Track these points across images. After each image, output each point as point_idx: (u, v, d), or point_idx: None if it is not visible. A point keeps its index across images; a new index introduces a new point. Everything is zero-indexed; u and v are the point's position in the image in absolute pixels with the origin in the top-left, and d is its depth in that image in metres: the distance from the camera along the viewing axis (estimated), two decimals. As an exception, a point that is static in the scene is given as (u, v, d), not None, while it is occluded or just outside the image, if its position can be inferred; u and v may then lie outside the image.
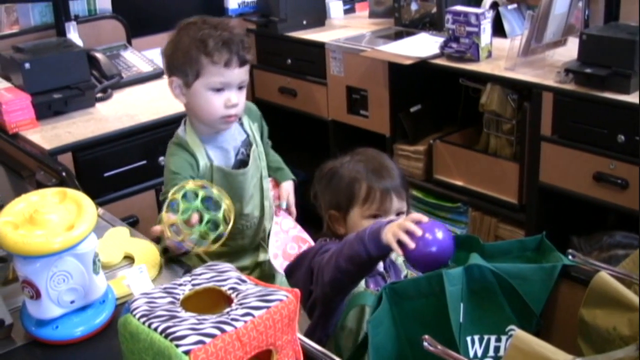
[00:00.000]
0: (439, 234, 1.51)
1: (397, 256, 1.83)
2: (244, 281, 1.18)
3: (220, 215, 1.57)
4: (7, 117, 2.62)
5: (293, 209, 2.24)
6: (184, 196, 1.57)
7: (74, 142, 2.56)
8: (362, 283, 1.71)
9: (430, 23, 3.51)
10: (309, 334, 1.73)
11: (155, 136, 2.67)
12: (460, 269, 1.47)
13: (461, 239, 1.60)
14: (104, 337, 1.42)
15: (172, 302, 1.13)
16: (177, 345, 1.01)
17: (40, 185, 2.15)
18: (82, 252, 1.36)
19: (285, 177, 2.27)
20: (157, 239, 1.71)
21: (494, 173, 3.05)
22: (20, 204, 1.38)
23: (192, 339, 1.02)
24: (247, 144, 2.10)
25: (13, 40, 3.04)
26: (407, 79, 3.28)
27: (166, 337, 1.03)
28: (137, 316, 1.09)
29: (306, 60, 3.62)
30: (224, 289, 1.16)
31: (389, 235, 1.52)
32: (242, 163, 2.08)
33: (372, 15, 3.90)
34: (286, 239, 2.15)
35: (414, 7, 3.58)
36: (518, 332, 1.24)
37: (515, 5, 3.35)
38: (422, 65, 3.09)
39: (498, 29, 3.23)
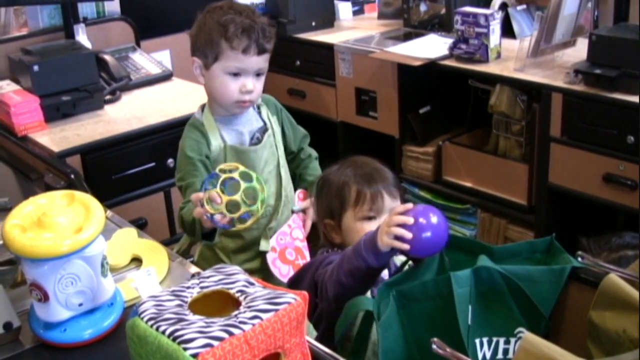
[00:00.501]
0: (432, 217, 1.47)
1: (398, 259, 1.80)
2: (252, 284, 1.18)
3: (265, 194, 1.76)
4: (16, 120, 2.63)
5: (308, 222, 2.21)
6: (241, 176, 1.72)
7: (83, 145, 2.57)
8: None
9: (439, 24, 3.50)
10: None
11: (164, 138, 2.68)
12: (469, 271, 1.46)
13: (468, 242, 1.60)
14: (112, 340, 1.42)
15: (180, 305, 1.13)
16: (185, 349, 1.01)
17: (48, 188, 2.15)
18: (90, 255, 1.36)
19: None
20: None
21: (503, 174, 3.05)
22: (28, 206, 1.38)
23: (200, 342, 1.01)
24: (263, 130, 2.12)
25: (22, 42, 3.04)
26: (416, 80, 3.27)
27: (174, 340, 1.03)
28: (145, 319, 1.08)
29: (315, 61, 3.62)
30: (232, 291, 1.16)
31: (384, 237, 1.47)
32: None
33: (381, 16, 3.89)
34: (289, 244, 2.14)
35: (423, 8, 3.57)
36: (527, 335, 1.23)
37: (524, 6, 3.34)
38: (431, 67, 3.08)
39: (507, 30, 3.22)
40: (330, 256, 1.72)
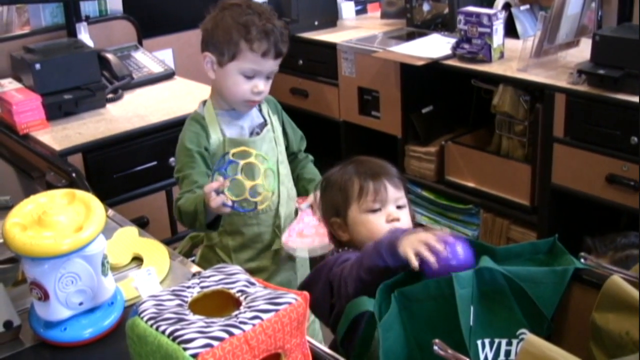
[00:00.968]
0: (459, 249, 1.48)
1: None
2: (252, 284, 1.17)
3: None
4: (18, 118, 2.63)
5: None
6: (258, 159, 1.80)
7: (84, 143, 2.56)
8: None
9: (442, 24, 3.50)
10: (332, 348, 1.69)
11: (166, 137, 2.67)
12: (471, 271, 1.45)
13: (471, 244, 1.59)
14: (113, 339, 1.42)
15: (180, 305, 1.12)
16: (185, 349, 1.00)
17: (50, 186, 2.15)
18: (91, 254, 1.35)
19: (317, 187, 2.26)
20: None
21: (506, 174, 3.04)
22: (28, 205, 1.38)
23: (199, 342, 1.01)
24: (263, 126, 2.13)
25: (24, 40, 3.04)
26: (418, 80, 3.27)
27: (174, 340, 1.02)
28: (145, 319, 1.08)
29: (318, 61, 3.62)
30: (232, 291, 1.15)
31: (407, 248, 1.46)
32: None
33: (384, 16, 3.89)
34: (304, 227, 2.14)
35: (426, 7, 3.57)
36: (529, 336, 1.22)
37: (527, 6, 3.33)
38: (434, 66, 3.08)
39: (510, 30, 3.21)
40: (343, 255, 1.71)
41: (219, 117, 2.07)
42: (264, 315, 1.07)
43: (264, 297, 1.12)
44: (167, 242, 1.84)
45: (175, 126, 2.65)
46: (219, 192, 1.77)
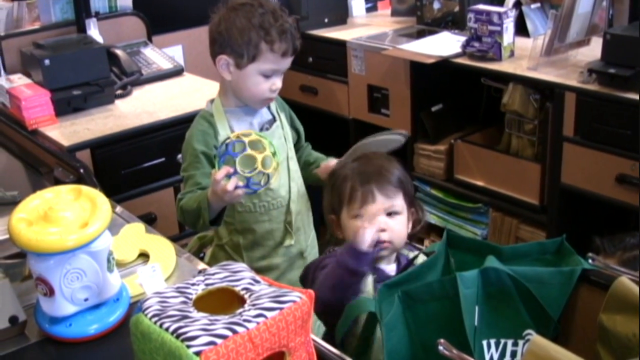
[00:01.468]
0: None
1: (414, 256, 1.79)
2: (257, 282, 1.17)
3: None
4: (27, 113, 2.63)
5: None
6: (259, 135, 1.83)
7: (93, 139, 2.56)
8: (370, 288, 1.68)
9: (452, 22, 3.49)
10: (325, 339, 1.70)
11: (174, 133, 2.67)
12: (475, 271, 1.45)
13: (475, 243, 1.59)
14: (118, 335, 1.42)
15: (184, 302, 1.12)
16: (188, 346, 1.00)
17: (58, 182, 2.15)
18: (96, 250, 1.36)
19: (326, 159, 2.26)
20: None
21: (515, 173, 3.03)
22: (34, 200, 1.38)
23: (203, 339, 1.01)
24: (272, 122, 2.14)
25: (34, 36, 3.04)
26: (428, 78, 3.26)
27: (177, 337, 1.02)
28: (149, 316, 1.08)
29: (327, 58, 3.61)
30: (237, 289, 1.15)
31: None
32: None
33: (394, 13, 3.88)
34: None
35: (436, 5, 3.56)
36: (535, 338, 1.22)
37: (538, 4, 3.32)
38: (444, 65, 3.07)
39: (521, 28, 3.20)
40: (326, 259, 1.74)
41: (227, 114, 2.07)
42: (269, 314, 1.06)
43: (269, 295, 1.11)
44: (174, 239, 1.84)
45: (183, 122, 2.65)
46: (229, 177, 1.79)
